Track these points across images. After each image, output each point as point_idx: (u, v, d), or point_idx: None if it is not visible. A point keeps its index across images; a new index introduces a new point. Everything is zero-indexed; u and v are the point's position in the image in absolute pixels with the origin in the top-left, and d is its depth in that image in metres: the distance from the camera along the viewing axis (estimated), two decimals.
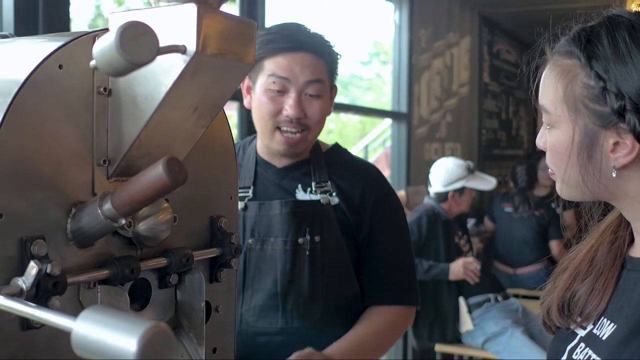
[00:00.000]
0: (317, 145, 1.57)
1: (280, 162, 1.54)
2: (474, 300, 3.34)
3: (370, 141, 8.01)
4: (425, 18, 4.67)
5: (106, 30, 0.78)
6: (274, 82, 1.43)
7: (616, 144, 0.82)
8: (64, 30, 1.83)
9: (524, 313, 3.42)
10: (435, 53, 4.87)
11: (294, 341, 1.44)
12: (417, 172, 4.45)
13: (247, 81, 1.52)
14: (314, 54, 1.45)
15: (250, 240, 1.47)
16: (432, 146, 4.85)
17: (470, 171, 3.61)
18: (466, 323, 3.31)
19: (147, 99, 0.76)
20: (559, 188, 0.91)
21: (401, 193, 4.28)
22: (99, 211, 0.73)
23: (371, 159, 8.03)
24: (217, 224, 0.97)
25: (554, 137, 0.88)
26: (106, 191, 0.75)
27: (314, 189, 1.51)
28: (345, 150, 1.64)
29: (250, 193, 1.51)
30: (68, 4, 1.84)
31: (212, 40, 0.74)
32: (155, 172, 0.69)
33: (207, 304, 0.97)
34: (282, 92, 1.44)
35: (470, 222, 4.72)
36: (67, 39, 0.74)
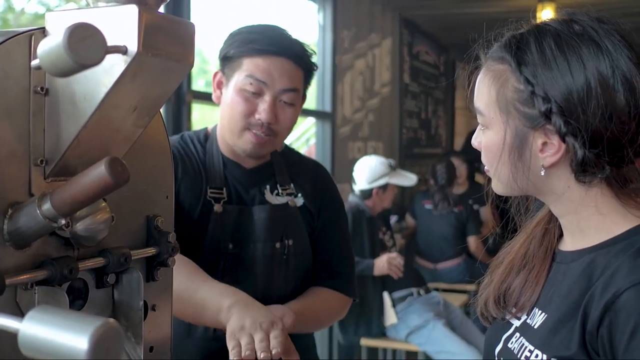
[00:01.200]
0: None
1: (247, 163, 1.53)
2: (397, 294, 3.44)
3: (293, 140, 8.04)
4: (348, 19, 4.74)
5: (42, 29, 0.78)
6: (250, 84, 1.42)
7: (544, 144, 0.88)
8: None
9: (445, 306, 3.55)
10: (358, 54, 4.96)
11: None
12: (341, 171, 4.53)
13: (218, 76, 1.50)
14: (293, 62, 1.44)
15: (230, 246, 1.45)
16: (355, 145, 4.94)
17: (392, 168, 3.71)
18: (390, 317, 3.40)
19: (86, 98, 0.76)
20: (493, 184, 0.97)
21: None
22: (38, 211, 0.72)
23: None
24: (153, 223, 0.97)
25: (487, 138, 0.94)
26: (45, 191, 0.74)
27: (279, 191, 1.52)
28: (295, 151, 1.69)
29: (224, 195, 1.48)
30: None
31: (152, 41, 0.75)
32: (98, 172, 0.69)
33: (144, 303, 0.97)
34: (257, 94, 1.43)
35: (393, 219, 4.84)
36: (3, 38, 0.73)
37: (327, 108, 4.48)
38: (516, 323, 0.98)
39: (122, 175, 0.70)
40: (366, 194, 3.62)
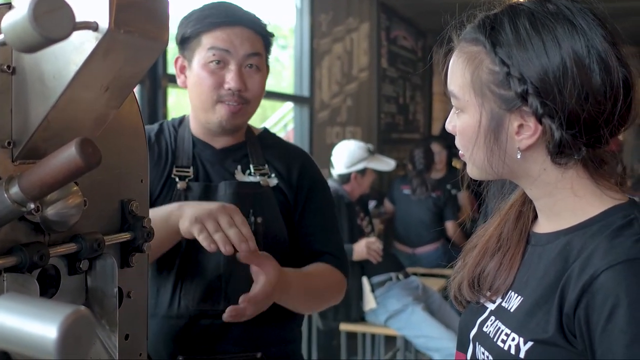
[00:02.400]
0: (250, 129, 1.58)
1: (218, 143, 1.52)
2: (376, 279, 3.44)
3: (271, 125, 8.00)
4: (326, 3, 4.70)
5: (7, 4, 0.74)
6: (214, 54, 1.43)
7: (520, 126, 0.86)
8: None
9: (424, 290, 3.56)
10: (336, 38, 4.92)
11: (236, 323, 1.41)
12: (319, 156, 4.50)
13: (180, 61, 1.51)
14: (251, 29, 1.47)
15: None
16: (333, 130, 4.92)
17: (371, 153, 3.70)
18: (369, 302, 3.40)
19: (55, 77, 0.72)
20: (468, 169, 0.96)
21: None
22: (6, 195, 0.69)
23: None
24: (128, 208, 0.94)
25: (462, 121, 0.92)
26: (12, 174, 0.71)
27: (252, 171, 1.51)
28: (275, 135, 1.67)
29: (190, 173, 1.48)
30: None
31: (125, 18, 0.71)
32: (68, 154, 0.66)
33: (119, 289, 0.95)
34: (223, 64, 1.44)
35: (371, 204, 4.84)
36: None
37: (305, 93, 4.45)
38: (491, 306, 0.97)
39: (93, 157, 0.67)
40: (344, 179, 3.61)
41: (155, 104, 2.63)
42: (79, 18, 0.69)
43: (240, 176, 1.50)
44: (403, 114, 6.78)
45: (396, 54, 6.47)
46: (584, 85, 0.82)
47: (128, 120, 0.95)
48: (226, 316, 1.26)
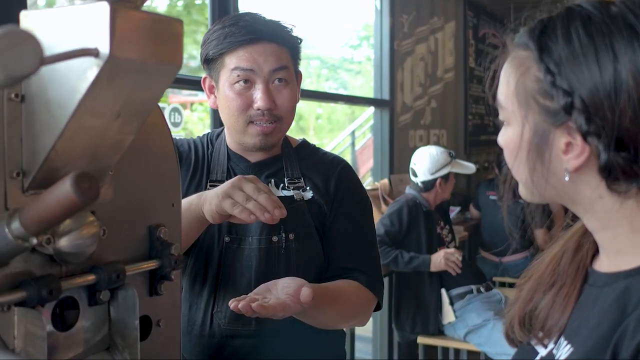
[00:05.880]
0: (287, 140, 1.53)
1: (253, 157, 1.49)
2: (456, 291, 3.29)
3: (357, 127, 7.94)
4: (408, 3, 4.59)
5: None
6: (238, 75, 1.38)
7: (568, 144, 0.75)
8: None
9: (507, 304, 3.38)
10: (419, 38, 4.80)
11: (268, 344, 1.39)
12: (401, 160, 4.40)
13: (208, 81, 1.47)
14: (275, 43, 1.40)
15: (227, 239, 1.41)
16: (416, 133, 4.79)
17: (452, 157, 3.56)
18: (448, 315, 3.26)
19: (61, 106, 0.69)
20: (519, 188, 0.86)
21: (384, 182, 4.22)
22: (7, 230, 0.67)
23: (358, 145, 7.97)
24: (156, 234, 0.91)
25: (507, 134, 0.82)
26: (15, 208, 0.69)
27: (286, 184, 1.46)
28: (314, 146, 1.61)
29: None
30: None
31: (130, 42, 0.67)
32: (63, 190, 0.62)
33: (148, 318, 0.91)
34: (250, 83, 1.39)
35: (455, 210, 4.68)
36: None
37: (386, 96, 4.35)
38: (542, 352, 0.85)
39: (89, 192, 0.63)
40: (429, 185, 3.46)
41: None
42: (81, 44, 0.66)
43: (273, 190, 1.45)
44: (492, 115, 6.52)
45: (485, 52, 6.24)
46: None
47: (156, 143, 0.92)
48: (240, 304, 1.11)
